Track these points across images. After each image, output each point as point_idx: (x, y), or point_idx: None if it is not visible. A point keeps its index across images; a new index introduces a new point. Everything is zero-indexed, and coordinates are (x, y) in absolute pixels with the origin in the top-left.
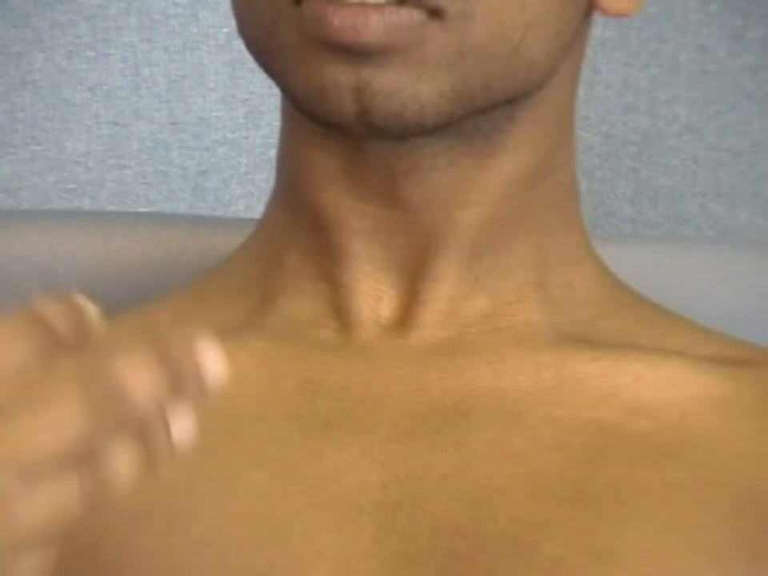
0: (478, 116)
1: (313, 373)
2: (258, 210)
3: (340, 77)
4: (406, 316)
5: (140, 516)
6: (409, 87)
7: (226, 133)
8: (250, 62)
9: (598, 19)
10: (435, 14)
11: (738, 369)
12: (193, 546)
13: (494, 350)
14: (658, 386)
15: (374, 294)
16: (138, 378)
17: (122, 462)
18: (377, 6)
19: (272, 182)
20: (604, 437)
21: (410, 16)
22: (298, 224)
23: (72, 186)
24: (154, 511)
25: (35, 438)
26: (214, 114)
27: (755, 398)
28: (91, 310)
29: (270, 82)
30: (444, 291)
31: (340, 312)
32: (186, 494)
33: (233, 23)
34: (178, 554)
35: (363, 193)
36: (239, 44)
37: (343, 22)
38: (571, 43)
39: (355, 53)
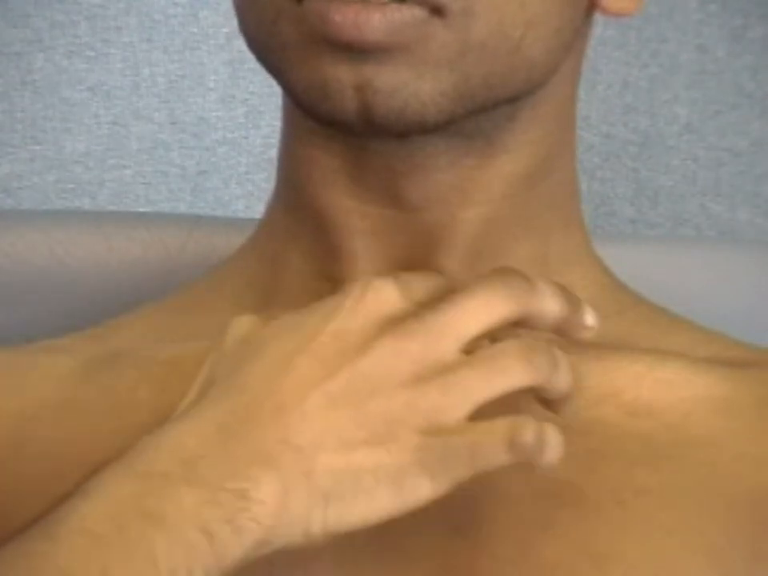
0: (479, 115)
1: None
2: (257, 210)
3: (342, 75)
4: None
5: None
6: (410, 85)
7: (226, 133)
8: (250, 61)
9: (597, 19)
10: (437, 11)
11: (737, 370)
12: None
13: None
14: (658, 387)
15: None
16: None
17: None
18: (379, 3)
19: (272, 182)
20: (604, 438)
21: (412, 14)
22: (298, 224)
23: (72, 186)
24: None
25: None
26: (214, 113)
27: (755, 398)
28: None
29: (270, 82)
30: None
31: None
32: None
33: (233, 23)
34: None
35: (364, 193)
36: (239, 44)
37: (345, 19)
38: (572, 42)
39: (357, 50)
